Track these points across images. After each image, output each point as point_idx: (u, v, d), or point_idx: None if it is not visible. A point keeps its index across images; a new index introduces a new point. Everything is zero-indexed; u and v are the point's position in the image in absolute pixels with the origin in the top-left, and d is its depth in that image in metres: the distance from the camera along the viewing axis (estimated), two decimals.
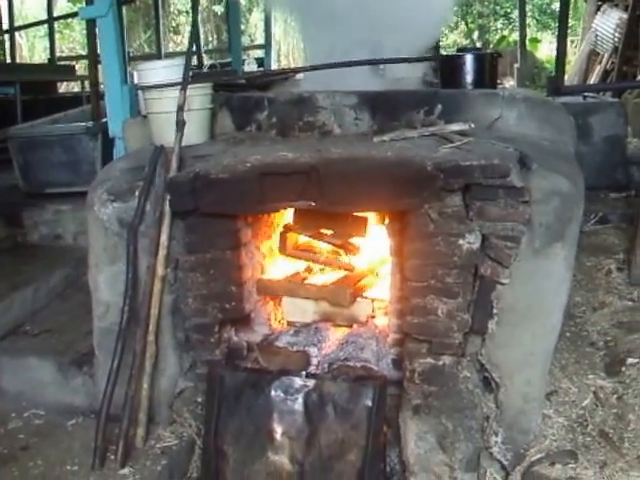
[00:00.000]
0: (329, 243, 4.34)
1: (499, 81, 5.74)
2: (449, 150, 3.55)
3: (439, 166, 3.32)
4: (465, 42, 22.40)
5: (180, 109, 3.96)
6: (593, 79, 14.94)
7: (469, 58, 4.51)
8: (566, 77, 16.20)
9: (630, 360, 4.15)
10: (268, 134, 4.48)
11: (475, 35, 23.70)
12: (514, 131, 4.13)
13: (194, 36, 4.63)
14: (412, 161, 3.41)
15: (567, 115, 4.38)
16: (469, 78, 4.49)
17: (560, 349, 4.27)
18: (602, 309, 4.83)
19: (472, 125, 3.86)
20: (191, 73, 4.22)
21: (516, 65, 15.32)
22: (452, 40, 23.29)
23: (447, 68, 4.62)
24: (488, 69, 4.54)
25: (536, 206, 3.35)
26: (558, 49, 9.88)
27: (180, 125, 3.92)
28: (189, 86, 4.06)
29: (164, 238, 3.77)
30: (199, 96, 4.26)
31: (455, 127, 3.87)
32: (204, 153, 4.00)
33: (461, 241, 3.40)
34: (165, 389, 4.01)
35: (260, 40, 17.25)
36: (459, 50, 5.46)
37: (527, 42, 17.67)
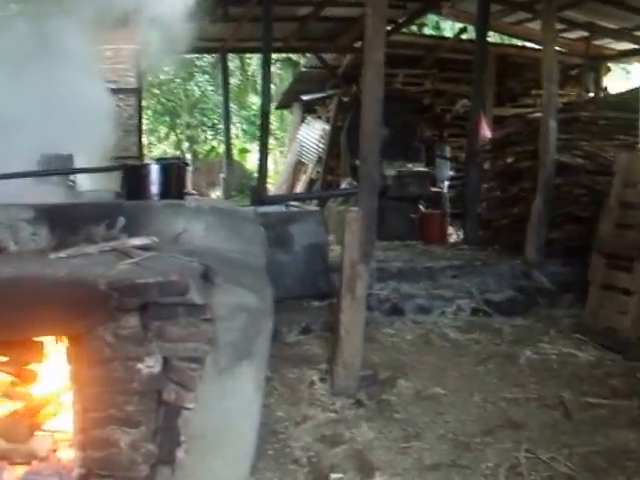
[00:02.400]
0: (2, 371, 3.89)
1: (196, 190, 5.65)
2: (127, 267, 3.29)
3: (113, 285, 3.06)
4: (176, 152, 22.55)
5: None
6: (300, 188, 15.46)
7: (154, 168, 4.35)
8: (275, 186, 16.75)
9: (333, 476, 4.04)
10: None
11: (185, 145, 23.99)
12: (202, 244, 3.96)
13: None
14: (85, 280, 3.12)
15: (258, 226, 4.30)
16: (154, 189, 4.31)
17: (262, 469, 4.07)
18: (305, 423, 4.73)
19: (155, 239, 3.65)
20: None
21: (222, 175, 15.56)
22: (162, 150, 23.38)
23: (132, 179, 4.42)
24: (174, 179, 4.40)
25: (220, 323, 3.17)
26: (260, 160, 10.18)
27: None
28: None
29: None
30: None
31: (136, 241, 3.63)
32: None
33: (140, 365, 3.13)
34: None
35: None
36: (157, 160, 5.34)
37: (236, 152, 18.09)
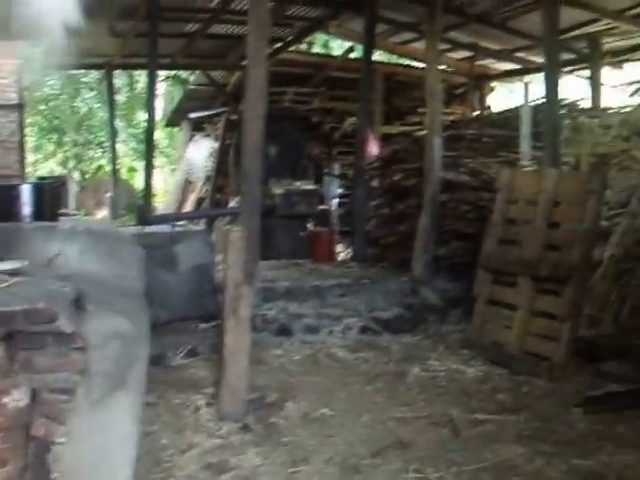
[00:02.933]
0: None
1: (82, 209, 5.47)
2: None
3: None
4: (63, 171, 21.99)
5: None
6: (189, 207, 15.27)
7: (25, 189, 4.18)
8: (165, 205, 16.46)
9: None
10: None
11: (72, 164, 23.41)
12: (76, 267, 3.81)
13: None
14: None
15: (136, 247, 4.17)
16: (26, 210, 4.14)
17: None
18: (190, 450, 4.58)
19: (26, 263, 3.48)
20: None
21: (108, 194, 15.23)
22: (49, 168, 22.74)
23: (2, 199, 4.23)
24: (48, 200, 4.23)
25: (93, 352, 3.02)
26: (146, 179, 9.98)
27: None
28: None
29: None
30: None
31: (5, 266, 3.47)
32: None
33: (6, 399, 2.95)
34: None
35: None
36: (38, 180, 5.13)
37: (125, 171, 17.73)
